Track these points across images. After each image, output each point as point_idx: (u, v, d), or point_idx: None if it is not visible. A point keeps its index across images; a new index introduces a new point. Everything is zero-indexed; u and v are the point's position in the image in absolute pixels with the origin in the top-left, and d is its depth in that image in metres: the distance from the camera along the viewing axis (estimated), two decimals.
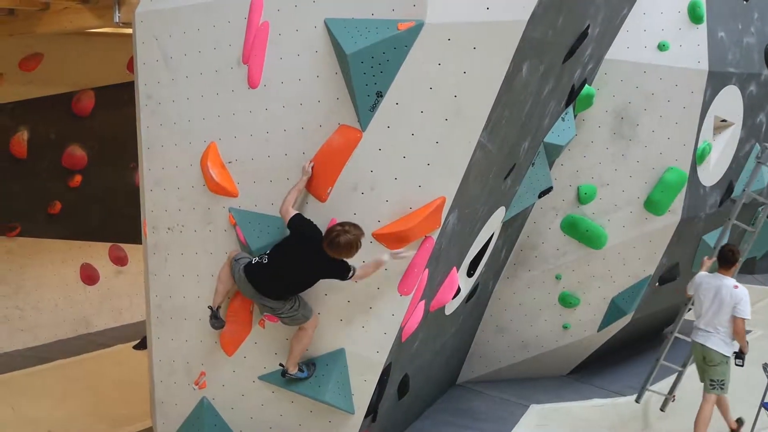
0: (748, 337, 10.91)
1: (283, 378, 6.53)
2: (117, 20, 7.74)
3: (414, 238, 6.11)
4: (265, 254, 6.17)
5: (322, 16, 6.01)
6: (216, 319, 6.52)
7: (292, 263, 6.09)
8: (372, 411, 6.80)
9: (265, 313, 6.48)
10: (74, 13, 8.18)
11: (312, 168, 6.15)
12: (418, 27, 5.72)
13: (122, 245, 12.10)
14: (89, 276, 12.06)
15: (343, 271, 6.03)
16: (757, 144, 9.53)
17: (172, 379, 7.06)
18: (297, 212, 6.12)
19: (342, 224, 5.93)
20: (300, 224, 6.07)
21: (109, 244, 12.05)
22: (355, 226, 5.93)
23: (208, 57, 6.50)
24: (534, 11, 5.70)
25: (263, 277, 6.16)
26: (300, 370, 6.48)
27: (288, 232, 6.19)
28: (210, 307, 6.53)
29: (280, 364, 6.55)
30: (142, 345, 10.23)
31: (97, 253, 12.02)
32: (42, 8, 8.38)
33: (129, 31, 7.35)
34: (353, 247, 5.88)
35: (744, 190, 8.96)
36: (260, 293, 6.23)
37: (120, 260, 12.26)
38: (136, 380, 8.82)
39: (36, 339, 11.40)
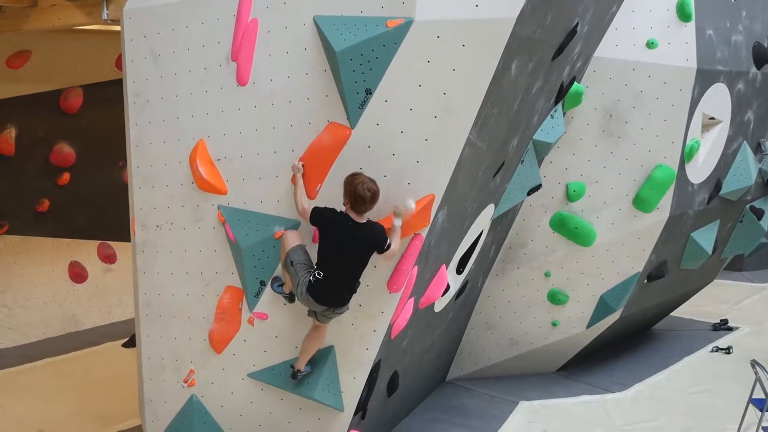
0: (736, 334, 11.04)
1: (295, 380, 6.50)
2: (105, 17, 7.70)
3: (403, 236, 6.12)
4: (314, 270, 6.00)
5: (312, 13, 6.00)
6: (291, 299, 6.40)
7: (344, 258, 5.95)
8: (361, 408, 6.80)
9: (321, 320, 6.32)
10: (62, 10, 8.14)
11: (302, 165, 6.11)
12: (407, 24, 5.72)
13: (111, 243, 12.06)
14: (78, 274, 12.02)
15: (382, 238, 5.87)
16: (760, 142, 9.62)
17: (161, 377, 7.05)
18: (313, 206, 6.03)
19: (353, 177, 5.81)
20: (322, 215, 5.95)
21: (98, 241, 12.01)
22: (368, 178, 5.83)
23: (196, 54, 6.48)
24: (523, 9, 5.71)
25: (329, 290, 6.01)
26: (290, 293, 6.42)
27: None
28: (291, 292, 6.35)
29: (291, 366, 6.50)
30: (131, 343, 10.20)
31: (86, 250, 11.98)
32: (30, 5, 8.34)
33: (117, 28, 7.33)
34: (377, 195, 5.78)
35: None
36: (335, 306, 6.09)
37: (109, 258, 12.23)
38: (125, 378, 8.80)
39: (24, 337, 11.36)
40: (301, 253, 6.13)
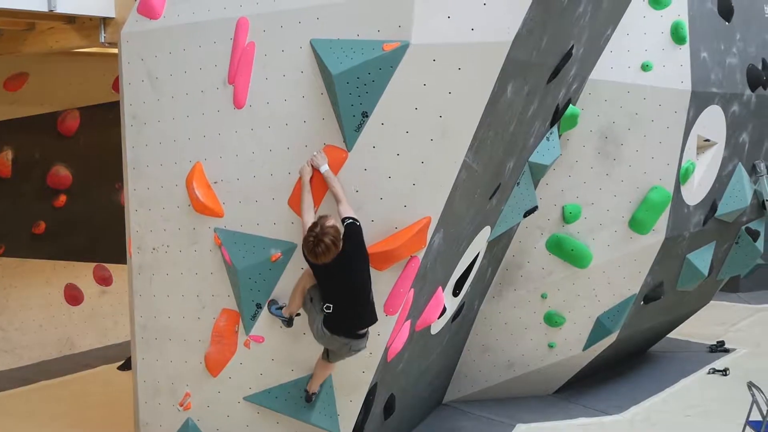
0: (732, 356, 11.03)
1: (309, 402, 6.51)
2: (103, 40, 7.72)
3: (400, 258, 6.12)
4: (324, 306, 5.98)
5: (308, 36, 6.04)
6: (290, 323, 6.40)
7: (346, 284, 5.93)
8: (358, 431, 6.78)
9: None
10: (60, 33, 8.16)
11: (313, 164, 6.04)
12: (404, 48, 5.75)
13: (107, 265, 12.04)
14: (73, 296, 11.99)
15: (358, 238, 5.83)
16: (755, 164, 9.67)
17: (157, 400, 7.03)
18: (314, 281, 6.09)
19: (310, 233, 5.77)
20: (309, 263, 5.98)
21: (94, 264, 11.99)
22: (322, 222, 5.78)
23: (193, 77, 6.51)
24: (518, 32, 5.74)
25: (342, 318, 5.99)
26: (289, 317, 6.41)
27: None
28: (291, 316, 6.36)
29: (305, 390, 6.50)
30: (126, 366, 10.17)
31: (82, 273, 11.95)
32: (27, 28, 8.37)
33: (114, 51, 7.35)
34: (337, 243, 5.73)
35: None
36: (355, 337, 6.05)
37: (104, 280, 12.20)
38: (120, 401, 8.75)
39: (19, 360, 11.31)
40: (317, 291, 6.12)
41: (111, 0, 7.55)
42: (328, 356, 6.28)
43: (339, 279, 5.92)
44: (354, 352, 6.14)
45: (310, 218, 5.95)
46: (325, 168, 5.96)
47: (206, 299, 6.73)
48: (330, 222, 5.80)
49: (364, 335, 6.09)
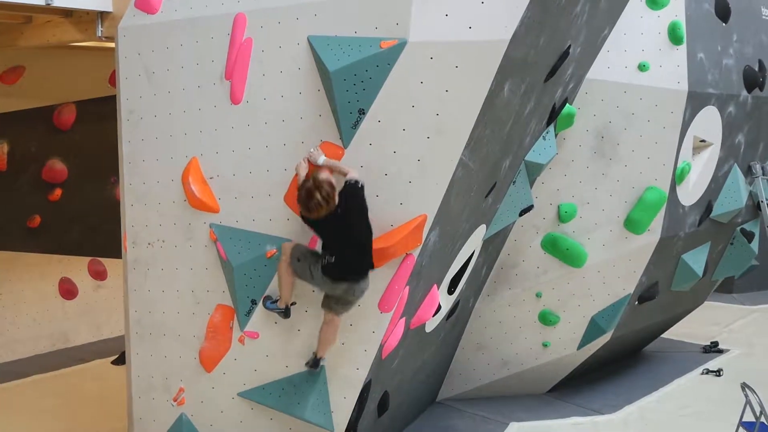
0: (726, 357, 11.05)
1: (315, 367, 6.46)
2: (100, 34, 7.70)
3: (395, 255, 6.12)
4: (325, 256, 6.00)
5: (305, 33, 6.04)
6: (287, 314, 6.39)
7: (343, 238, 5.95)
8: (351, 429, 6.78)
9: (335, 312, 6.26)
10: (57, 26, 8.14)
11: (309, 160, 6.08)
12: (401, 45, 5.76)
13: (102, 260, 12.03)
14: (68, 290, 11.98)
15: (356, 198, 5.86)
16: (751, 165, 9.69)
17: (151, 395, 7.02)
18: (293, 245, 6.15)
19: (303, 185, 5.84)
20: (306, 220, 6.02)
21: (89, 258, 11.97)
22: (317, 175, 5.83)
23: (190, 72, 6.50)
24: (516, 31, 5.75)
25: (342, 265, 5.98)
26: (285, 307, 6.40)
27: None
28: (287, 306, 6.36)
29: (313, 353, 6.46)
30: (120, 360, 10.16)
31: (76, 267, 11.94)
32: (24, 21, 8.35)
33: (111, 44, 7.34)
34: (330, 199, 5.78)
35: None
36: (355, 282, 6.04)
37: (99, 275, 12.18)
38: (114, 396, 8.76)
39: (13, 354, 11.29)
40: (302, 248, 6.16)
41: None
42: (331, 308, 6.23)
43: (336, 233, 5.94)
44: (359, 295, 6.11)
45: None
46: (322, 159, 5.99)
47: (201, 295, 6.73)
48: (324, 176, 5.82)
49: (365, 277, 6.07)
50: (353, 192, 5.86)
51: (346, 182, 5.88)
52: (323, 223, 5.91)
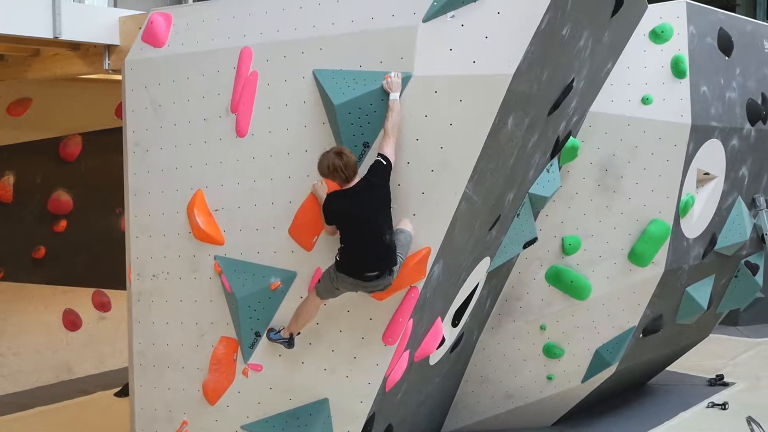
0: (732, 390, 10.98)
1: (268, 335, 6.39)
2: (107, 67, 7.79)
3: (399, 288, 6.12)
4: (337, 254, 5.89)
5: (311, 67, 6.09)
6: (290, 344, 6.35)
7: (357, 225, 5.81)
8: None
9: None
10: (64, 59, 8.23)
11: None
12: (406, 79, 5.80)
13: (106, 291, 12.03)
14: (72, 321, 11.97)
15: (383, 176, 5.76)
16: (755, 198, 9.71)
17: (154, 427, 7.00)
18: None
19: (326, 155, 5.80)
20: (326, 208, 5.91)
21: (93, 289, 11.98)
22: (330, 150, 5.83)
23: (196, 105, 6.56)
24: (519, 65, 5.79)
25: (355, 258, 5.85)
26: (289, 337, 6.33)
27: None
28: (291, 336, 6.32)
29: (282, 333, 6.37)
30: (123, 392, 10.12)
31: (81, 298, 11.93)
32: (32, 54, 8.43)
33: (118, 77, 7.40)
34: (349, 162, 5.76)
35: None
36: (363, 279, 5.88)
37: (103, 306, 12.18)
38: (117, 428, 8.72)
39: (17, 385, 11.26)
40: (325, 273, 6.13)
41: (116, 27, 7.63)
42: (319, 293, 6.14)
43: (354, 215, 5.79)
44: (380, 287, 5.97)
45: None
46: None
47: (205, 327, 6.73)
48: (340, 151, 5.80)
49: (374, 278, 5.88)
50: (379, 169, 5.74)
51: (378, 155, 5.78)
52: (342, 207, 5.80)
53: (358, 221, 5.81)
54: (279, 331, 6.39)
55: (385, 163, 5.74)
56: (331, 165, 5.75)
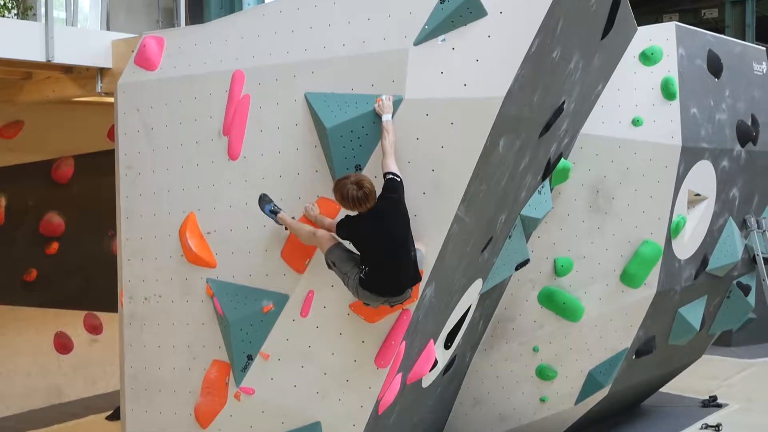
0: (725, 411, 10.97)
1: (261, 203, 6.29)
2: (99, 90, 7.80)
3: (391, 311, 6.12)
4: (362, 268, 5.80)
5: (303, 90, 6.11)
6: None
7: (384, 241, 5.73)
8: None
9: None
10: (57, 82, 8.24)
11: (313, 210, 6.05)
12: (397, 102, 5.83)
13: (98, 314, 11.97)
14: (63, 344, 11.91)
15: (398, 193, 5.71)
16: (746, 218, 9.74)
17: None
18: (330, 243, 5.93)
19: (346, 182, 5.68)
20: (345, 225, 5.80)
21: (84, 312, 11.93)
22: (351, 176, 5.73)
23: (189, 128, 6.57)
24: (510, 88, 5.82)
25: (384, 279, 5.79)
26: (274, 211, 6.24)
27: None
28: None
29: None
30: (115, 416, 10.07)
31: (72, 321, 11.87)
32: (24, 77, 8.44)
33: (110, 99, 7.42)
34: (374, 189, 5.67)
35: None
36: (395, 295, 5.86)
37: (95, 329, 12.12)
38: None
39: (7, 409, 11.18)
40: (339, 252, 5.93)
41: (108, 51, 7.65)
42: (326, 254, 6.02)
43: (377, 237, 5.72)
44: (399, 302, 5.96)
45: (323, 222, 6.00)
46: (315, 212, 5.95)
47: (197, 350, 6.71)
48: (359, 173, 5.73)
49: (405, 291, 5.90)
50: (393, 186, 5.70)
51: (385, 176, 5.73)
52: (363, 224, 5.73)
53: (391, 244, 5.75)
54: (276, 212, 6.23)
55: (398, 179, 5.73)
56: (354, 198, 5.65)
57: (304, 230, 6.08)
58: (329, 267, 6.02)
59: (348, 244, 5.92)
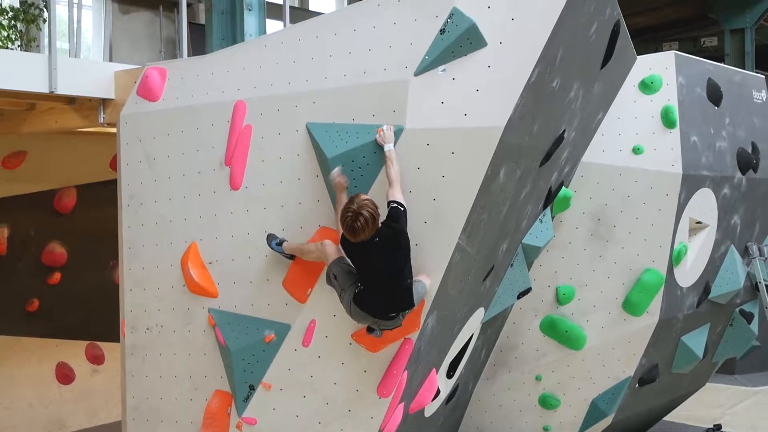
0: None
1: (269, 241, 6.30)
2: (102, 121, 7.85)
3: (393, 340, 6.11)
4: (357, 285, 5.81)
5: (304, 120, 6.15)
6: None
7: (380, 268, 5.74)
8: None
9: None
10: (59, 113, 8.29)
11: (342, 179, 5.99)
12: (398, 132, 5.85)
13: (99, 344, 11.95)
14: (65, 375, 11.87)
15: (400, 223, 5.71)
16: (748, 246, 9.76)
17: None
18: (336, 255, 5.93)
19: (347, 209, 5.67)
20: (343, 244, 5.83)
21: (86, 342, 11.90)
22: (358, 198, 5.71)
23: (191, 159, 6.60)
24: (511, 118, 5.85)
25: (371, 298, 5.80)
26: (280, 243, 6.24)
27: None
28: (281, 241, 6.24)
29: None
30: None
31: (74, 351, 11.84)
32: (27, 108, 8.50)
33: (112, 129, 7.46)
34: (376, 217, 5.65)
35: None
36: (384, 318, 5.86)
37: (97, 359, 12.09)
38: None
39: None
40: (343, 265, 5.93)
41: (111, 82, 7.70)
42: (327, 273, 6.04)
43: (374, 261, 5.73)
44: (390, 327, 5.96)
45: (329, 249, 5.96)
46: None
47: (199, 380, 6.69)
48: (365, 197, 5.72)
49: (395, 318, 5.88)
50: (397, 216, 5.71)
51: (390, 205, 5.74)
52: (361, 248, 5.73)
53: (384, 273, 5.76)
54: (280, 242, 6.25)
55: (402, 208, 5.74)
56: (349, 228, 5.65)
57: (310, 247, 6.10)
58: (329, 280, 6.02)
59: None
